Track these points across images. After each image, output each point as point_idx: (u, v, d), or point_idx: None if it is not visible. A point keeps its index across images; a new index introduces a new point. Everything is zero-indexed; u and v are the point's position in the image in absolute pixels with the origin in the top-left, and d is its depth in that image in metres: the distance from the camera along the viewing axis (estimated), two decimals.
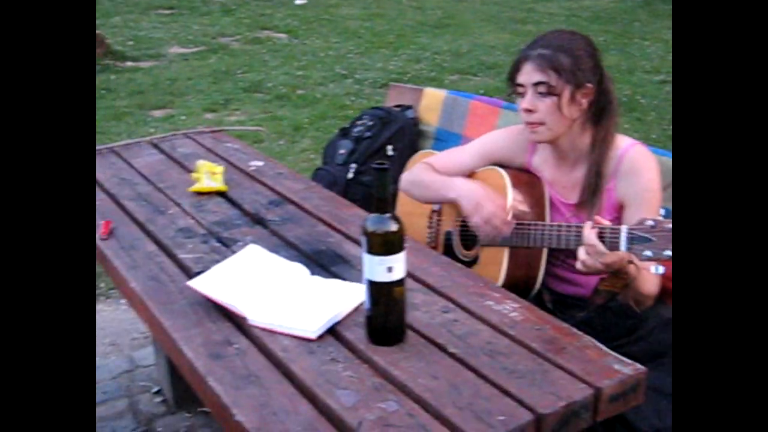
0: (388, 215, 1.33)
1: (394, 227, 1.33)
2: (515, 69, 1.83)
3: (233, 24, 9.21)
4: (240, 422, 1.21)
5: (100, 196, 2.12)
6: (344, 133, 2.89)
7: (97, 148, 2.48)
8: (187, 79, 6.84)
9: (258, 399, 1.25)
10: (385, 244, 1.32)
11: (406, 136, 2.78)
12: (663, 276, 1.85)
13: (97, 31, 7.32)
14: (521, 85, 1.81)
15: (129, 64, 7.42)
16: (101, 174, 2.27)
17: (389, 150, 2.78)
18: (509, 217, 1.84)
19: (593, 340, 1.40)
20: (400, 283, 1.36)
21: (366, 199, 2.23)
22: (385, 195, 1.33)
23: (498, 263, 1.87)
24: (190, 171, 2.24)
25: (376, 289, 1.35)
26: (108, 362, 2.78)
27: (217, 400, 1.28)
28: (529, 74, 1.78)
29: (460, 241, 2.06)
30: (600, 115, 1.82)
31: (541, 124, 1.80)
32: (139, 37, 8.40)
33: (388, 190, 1.34)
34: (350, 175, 2.74)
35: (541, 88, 1.77)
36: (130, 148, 2.52)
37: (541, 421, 1.20)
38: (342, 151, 2.82)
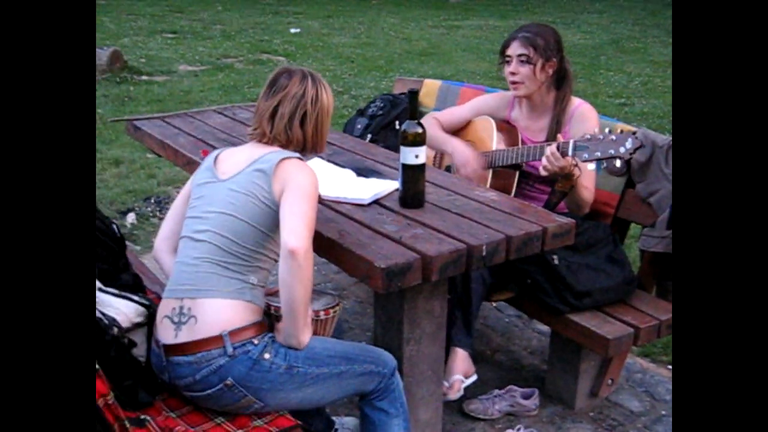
0: (416, 122, 2.11)
1: (420, 129, 2.11)
2: (506, 45, 2.65)
3: (234, 47, 10.03)
4: (329, 237, 1.97)
5: (188, 139, 2.89)
6: (361, 112, 3.69)
7: (175, 112, 3.25)
8: (200, 91, 7.62)
9: (336, 228, 2.02)
10: (414, 140, 2.10)
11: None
12: (599, 201, 2.67)
13: (114, 48, 8.12)
14: (509, 56, 2.63)
15: (144, 77, 8.18)
16: (185, 127, 3.04)
17: (397, 125, 3.59)
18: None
19: (545, 210, 2.19)
20: (422, 166, 2.14)
21: None
22: (415, 110, 2.12)
23: (484, 182, 2.66)
24: None
25: (408, 169, 2.13)
26: None
27: None
28: (515, 48, 2.61)
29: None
30: (560, 82, 2.64)
31: (521, 83, 2.61)
32: (150, 56, 9.18)
33: (417, 108, 2.12)
34: None
35: (523, 58, 2.59)
36: (200, 113, 3.30)
37: (510, 239, 1.98)
38: (359, 126, 3.61)
